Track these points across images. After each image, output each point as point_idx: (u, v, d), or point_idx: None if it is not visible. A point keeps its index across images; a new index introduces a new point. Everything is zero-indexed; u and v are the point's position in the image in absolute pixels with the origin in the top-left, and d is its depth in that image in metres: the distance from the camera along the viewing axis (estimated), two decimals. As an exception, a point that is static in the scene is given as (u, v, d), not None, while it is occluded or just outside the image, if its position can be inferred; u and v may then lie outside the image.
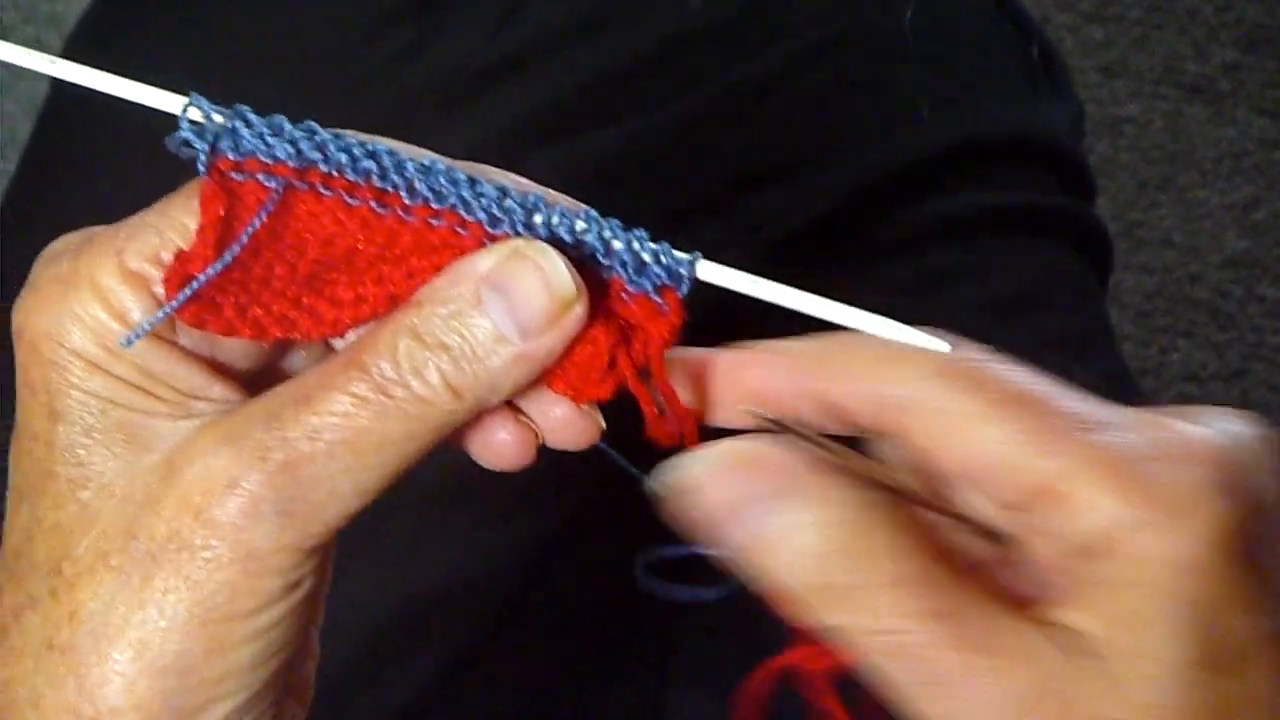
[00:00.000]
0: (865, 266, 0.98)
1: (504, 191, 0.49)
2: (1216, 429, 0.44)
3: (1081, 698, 0.42)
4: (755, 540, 0.46)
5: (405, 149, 0.50)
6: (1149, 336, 1.97)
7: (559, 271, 0.48)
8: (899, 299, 0.97)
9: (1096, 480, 0.42)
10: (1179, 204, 2.04)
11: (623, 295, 0.50)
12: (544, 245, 0.48)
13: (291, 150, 0.48)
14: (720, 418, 0.50)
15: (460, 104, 0.94)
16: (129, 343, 0.47)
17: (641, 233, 0.50)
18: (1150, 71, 2.11)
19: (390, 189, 0.49)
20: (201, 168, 0.48)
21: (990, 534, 0.47)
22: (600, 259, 0.50)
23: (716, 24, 0.99)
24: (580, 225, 0.49)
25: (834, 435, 0.48)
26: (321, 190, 0.49)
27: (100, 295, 0.48)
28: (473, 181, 0.49)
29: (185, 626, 0.47)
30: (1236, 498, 0.42)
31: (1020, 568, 0.46)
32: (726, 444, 0.47)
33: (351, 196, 0.49)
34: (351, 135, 0.50)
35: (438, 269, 0.49)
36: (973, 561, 0.47)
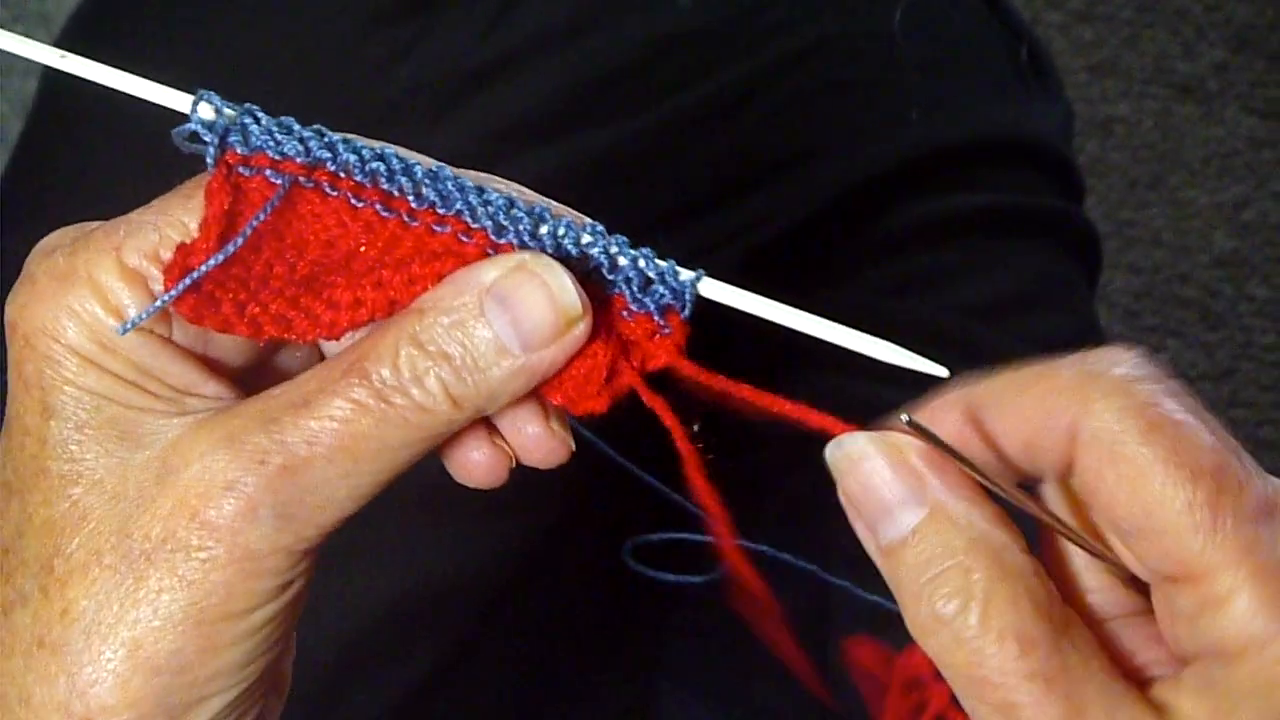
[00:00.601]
0: (855, 268, 0.99)
1: (511, 201, 0.49)
2: None
3: None
4: (881, 544, 0.45)
5: (413, 155, 0.50)
6: (1138, 336, 1.97)
7: (565, 287, 0.48)
8: (888, 300, 0.98)
9: (1256, 587, 0.41)
10: (1168, 203, 2.04)
11: (624, 313, 0.50)
12: (550, 260, 0.48)
13: (300, 148, 0.48)
14: None
15: (451, 105, 0.94)
16: (125, 330, 0.47)
17: (648, 250, 0.49)
18: (1140, 71, 2.11)
19: (397, 192, 0.49)
20: (210, 160, 0.48)
21: (1135, 583, 0.46)
22: (605, 274, 0.49)
23: (706, 26, 1.00)
24: (586, 239, 0.49)
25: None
26: (328, 190, 0.49)
27: (97, 291, 0.48)
28: (480, 190, 0.49)
29: (179, 625, 0.47)
30: None
31: (1147, 625, 0.46)
32: (888, 436, 0.46)
33: (357, 198, 0.49)
34: (359, 139, 0.50)
35: (439, 277, 0.48)
36: (1102, 606, 0.47)
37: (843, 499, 0.47)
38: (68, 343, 0.48)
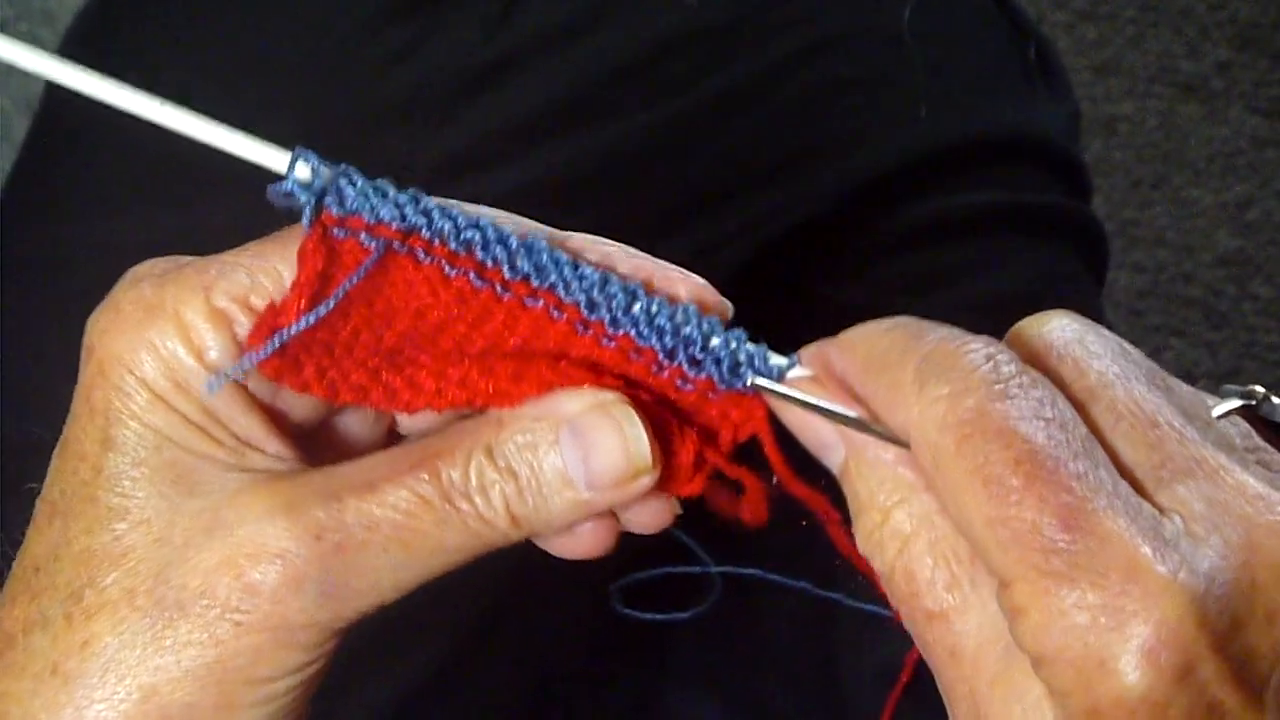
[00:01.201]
0: (862, 265, 0.99)
1: (605, 279, 0.49)
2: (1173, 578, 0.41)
3: None
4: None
5: (507, 223, 0.50)
6: (1142, 335, 1.97)
7: (639, 438, 0.48)
8: (896, 298, 0.97)
9: (1041, 601, 0.41)
10: (1172, 202, 2.04)
11: (709, 394, 0.50)
12: (630, 410, 0.48)
13: (396, 213, 0.48)
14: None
15: (455, 104, 0.94)
16: (212, 387, 0.47)
17: (740, 333, 0.50)
18: (1144, 70, 2.11)
19: (491, 262, 0.48)
20: (306, 221, 0.47)
21: None
22: (695, 354, 0.49)
23: (712, 23, 0.99)
24: (680, 318, 0.49)
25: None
26: (421, 256, 0.48)
27: (181, 328, 0.47)
28: (575, 264, 0.49)
29: (200, 681, 0.47)
30: (1172, 657, 0.40)
31: None
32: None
33: (452, 266, 0.48)
34: (455, 204, 0.49)
35: (520, 385, 0.49)
36: None
37: (789, 427, 0.49)
38: (141, 376, 0.48)
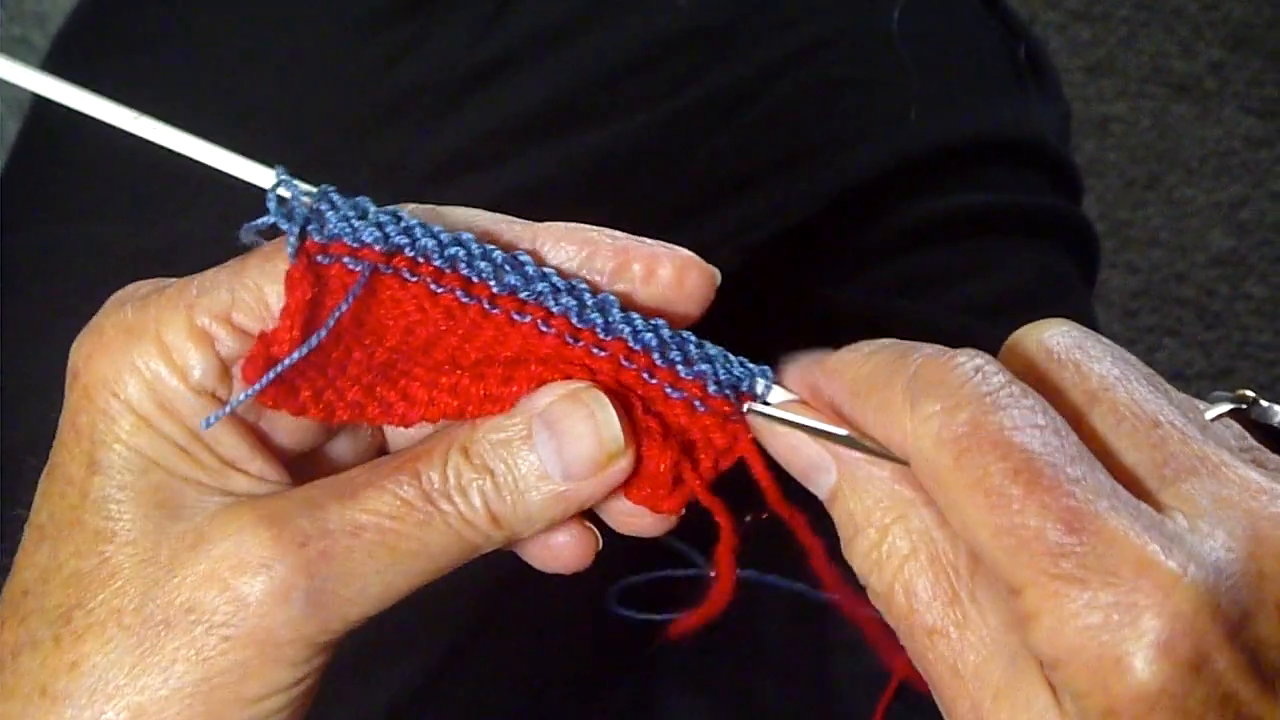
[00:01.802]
0: (854, 267, 0.99)
1: (603, 301, 0.49)
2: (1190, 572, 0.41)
3: None
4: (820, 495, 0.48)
5: (486, 217, 0.50)
6: (1135, 335, 1.97)
7: (609, 421, 0.48)
8: (888, 299, 0.98)
9: (1055, 607, 0.41)
10: (1166, 202, 2.05)
11: (698, 403, 0.50)
12: (599, 394, 0.49)
13: (378, 234, 0.47)
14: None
15: (450, 104, 0.94)
16: (208, 425, 0.47)
17: (724, 350, 0.50)
18: (1137, 70, 2.11)
19: (476, 278, 0.48)
20: (290, 251, 0.47)
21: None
22: (679, 371, 0.50)
23: (705, 25, 0.99)
24: (666, 333, 0.49)
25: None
26: (407, 276, 0.48)
27: (164, 350, 0.47)
28: (567, 281, 0.49)
29: (187, 699, 0.47)
30: (1187, 651, 0.40)
31: None
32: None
33: (437, 284, 0.48)
34: (435, 210, 0.49)
35: (512, 387, 0.49)
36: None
37: (775, 457, 0.49)
38: (126, 399, 0.48)
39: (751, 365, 0.50)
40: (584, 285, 0.49)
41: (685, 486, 0.51)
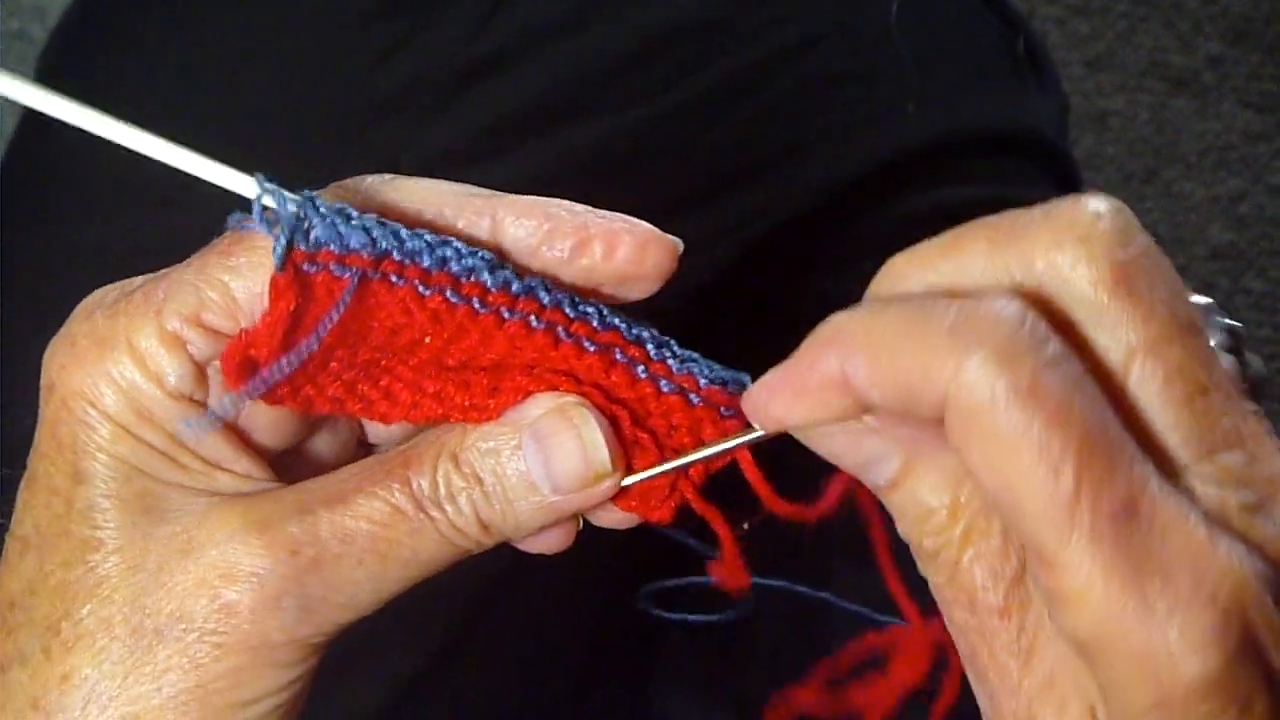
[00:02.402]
0: (852, 260, 0.98)
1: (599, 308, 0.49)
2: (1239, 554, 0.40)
3: None
4: (872, 486, 0.46)
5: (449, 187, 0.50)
6: (1134, 329, 1.97)
7: (596, 443, 0.48)
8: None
9: (1100, 594, 0.39)
10: (1164, 197, 2.04)
11: (692, 396, 0.50)
12: (588, 413, 0.48)
13: (366, 239, 0.47)
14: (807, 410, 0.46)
15: (447, 99, 0.94)
16: (190, 428, 0.47)
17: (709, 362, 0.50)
18: (1136, 64, 2.11)
19: (467, 276, 0.48)
20: (277, 261, 0.46)
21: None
22: (671, 361, 0.50)
23: (702, 18, 0.99)
24: (655, 331, 0.50)
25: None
26: (394, 280, 0.48)
27: (136, 357, 0.47)
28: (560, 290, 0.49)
29: (182, 707, 0.46)
30: (1239, 640, 0.40)
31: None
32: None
33: (425, 285, 0.48)
34: (391, 188, 0.49)
35: (498, 396, 0.49)
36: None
37: (826, 458, 0.47)
38: (104, 409, 0.47)
39: (728, 370, 0.50)
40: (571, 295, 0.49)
41: (677, 494, 0.50)
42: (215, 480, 0.49)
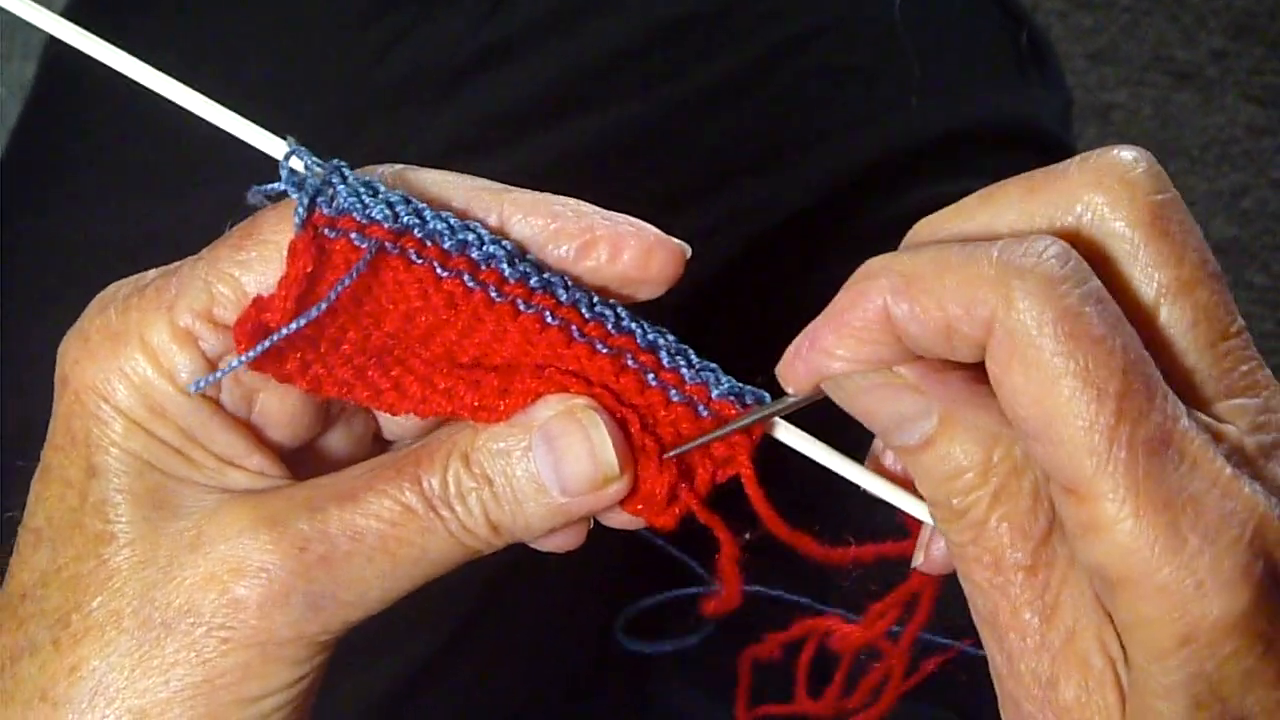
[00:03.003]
0: (854, 253, 0.99)
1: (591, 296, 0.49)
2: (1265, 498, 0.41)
3: None
4: (897, 446, 0.47)
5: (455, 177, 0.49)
6: (1136, 323, 1.97)
7: (604, 445, 0.48)
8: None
9: (1136, 521, 0.40)
10: (1167, 191, 2.04)
11: (701, 407, 0.50)
12: (597, 415, 0.48)
13: (388, 212, 0.47)
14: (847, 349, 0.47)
15: (449, 90, 0.94)
16: (197, 387, 0.47)
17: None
18: (1139, 58, 2.11)
19: (486, 264, 0.48)
20: (297, 221, 0.46)
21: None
22: (684, 371, 0.50)
23: (705, 11, 0.99)
24: (672, 338, 0.50)
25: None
26: (413, 257, 0.48)
27: (149, 353, 0.47)
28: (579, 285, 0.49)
29: (189, 700, 0.47)
30: (1265, 578, 0.41)
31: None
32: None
33: (444, 267, 0.48)
34: (400, 180, 0.49)
35: (510, 392, 0.49)
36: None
37: (856, 416, 0.48)
38: (117, 404, 0.48)
39: (743, 385, 0.50)
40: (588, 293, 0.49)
41: (681, 502, 0.50)
42: (227, 476, 0.49)
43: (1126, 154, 0.45)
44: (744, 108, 0.98)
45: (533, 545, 0.52)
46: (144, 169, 0.89)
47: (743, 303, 0.90)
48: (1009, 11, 1.12)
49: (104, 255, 0.86)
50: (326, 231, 0.47)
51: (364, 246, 0.47)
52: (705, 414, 0.50)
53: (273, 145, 0.48)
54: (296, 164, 0.47)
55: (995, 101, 1.06)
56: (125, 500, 0.48)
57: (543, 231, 0.49)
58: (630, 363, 0.49)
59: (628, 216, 0.49)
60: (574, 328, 0.48)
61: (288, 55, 0.96)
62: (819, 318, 0.47)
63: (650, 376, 0.49)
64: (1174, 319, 0.44)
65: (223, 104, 0.48)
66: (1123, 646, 0.43)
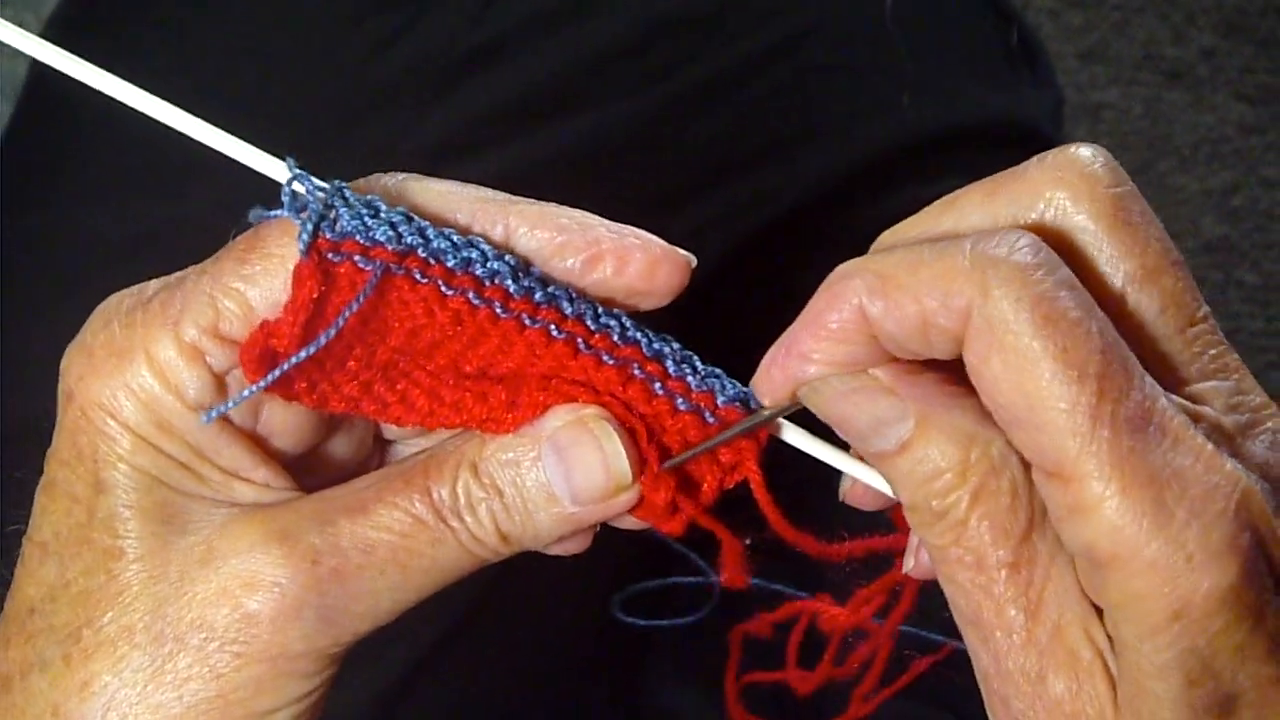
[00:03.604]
0: (847, 251, 0.99)
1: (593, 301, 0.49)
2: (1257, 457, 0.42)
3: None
4: (872, 452, 0.47)
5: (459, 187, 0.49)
6: (1127, 321, 1.97)
7: (617, 454, 0.48)
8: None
9: (1122, 500, 0.41)
10: (1157, 189, 2.05)
11: (709, 415, 0.50)
12: (608, 424, 0.49)
13: (391, 233, 0.47)
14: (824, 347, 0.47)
15: (444, 88, 0.94)
16: (209, 419, 0.47)
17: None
18: (1129, 57, 2.11)
19: (490, 280, 0.48)
20: (302, 247, 0.46)
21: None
22: (690, 378, 0.50)
23: (699, 10, 0.99)
24: (676, 345, 0.50)
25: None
26: (418, 277, 0.48)
27: (156, 369, 0.47)
28: (585, 299, 0.49)
29: (202, 715, 0.47)
30: (1252, 550, 0.41)
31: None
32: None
33: (448, 285, 0.48)
34: (402, 191, 0.49)
35: (517, 405, 0.49)
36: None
37: (831, 422, 0.48)
38: (124, 420, 0.47)
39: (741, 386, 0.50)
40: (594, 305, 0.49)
41: (684, 514, 0.50)
42: (234, 490, 0.49)
43: (1084, 150, 0.46)
44: (737, 106, 0.98)
45: (543, 551, 0.52)
46: (141, 167, 0.89)
47: (735, 300, 0.90)
48: (1000, 10, 1.12)
49: (102, 254, 0.86)
50: (331, 255, 0.47)
51: (369, 269, 0.47)
52: (712, 421, 0.50)
53: (272, 167, 0.48)
54: (298, 188, 0.47)
55: (986, 100, 1.06)
56: (134, 515, 0.48)
57: (548, 245, 0.49)
58: (637, 372, 0.49)
59: (633, 228, 0.49)
60: (580, 340, 0.48)
61: (281, 54, 0.96)
62: (794, 324, 0.47)
63: (657, 385, 0.50)
64: (1142, 306, 0.45)
65: (219, 118, 0.48)
66: (1109, 637, 0.43)
